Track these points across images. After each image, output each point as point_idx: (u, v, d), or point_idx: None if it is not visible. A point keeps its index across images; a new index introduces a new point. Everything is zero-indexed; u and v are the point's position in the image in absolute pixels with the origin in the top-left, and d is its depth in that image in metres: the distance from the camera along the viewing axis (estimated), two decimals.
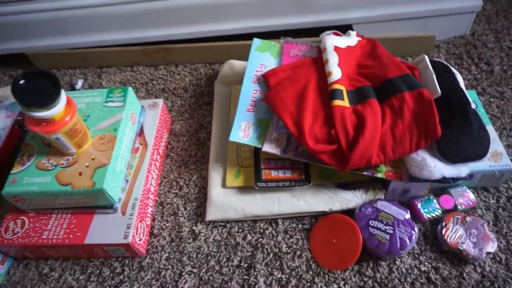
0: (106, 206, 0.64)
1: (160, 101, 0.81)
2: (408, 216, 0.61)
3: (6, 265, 0.68)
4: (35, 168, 0.63)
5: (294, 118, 0.64)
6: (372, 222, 0.61)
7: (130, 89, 0.73)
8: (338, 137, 0.61)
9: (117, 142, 0.65)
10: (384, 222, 0.60)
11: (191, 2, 0.89)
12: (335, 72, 0.67)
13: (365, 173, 0.63)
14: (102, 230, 0.63)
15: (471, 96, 0.70)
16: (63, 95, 0.58)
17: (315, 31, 0.89)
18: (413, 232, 0.59)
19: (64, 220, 0.65)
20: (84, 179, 0.61)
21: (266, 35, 0.85)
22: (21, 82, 0.54)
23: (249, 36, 0.91)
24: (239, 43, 0.93)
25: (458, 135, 0.59)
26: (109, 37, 0.97)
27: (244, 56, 0.89)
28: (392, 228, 0.59)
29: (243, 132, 0.68)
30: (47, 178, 0.62)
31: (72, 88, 0.96)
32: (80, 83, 0.97)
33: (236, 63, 0.89)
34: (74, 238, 0.63)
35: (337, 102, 0.64)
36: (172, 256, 0.66)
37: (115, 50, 0.98)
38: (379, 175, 0.63)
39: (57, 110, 0.57)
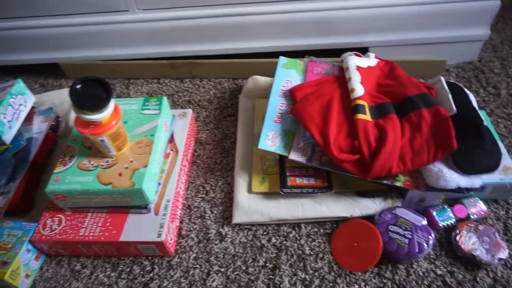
0: (141, 206, 0.68)
1: (190, 111, 0.86)
2: (425, 222, 0.65)
3: (40, 261, 0.71)
4: (77, 168, 0.68)
5: (320, 129, 0.69)
6: (391, 227, 0.65)
7: (164, 99, 0.78)
8: (361, 147, 0.66)
9: (154, 147, 0.70)
10: (403, 228, 0.64)
11: (219, 21, 0.95)
12: (358, 89, 0.73)
13: (385, 181, 0.68)
14: (136, 229, 0.67)
15: (482, 116, 0.75)
16: (112, 101, 0.63)
17: (335, 52, 0.95)
18: (430, 237, 0.63)
19: (100, 219, 0.69)
20: (124, 179, 0.65)
21: (289, 54, 0.91)
22: (78, 86, 0.60)
23: (271, 55, 0.98)
24: (262, 60, 0.99)
25: (472, 148, 0.64)
26: (138, 51, 1.03)
27: (267, 73, 0.96)
28: (410, 233, 0.64)
29: (270, 141, 0.73)
30: (88, 177, 0.66)
31: None
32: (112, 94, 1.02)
33: (260, 79, 0.95)
34: (110, 236, 0.66)
35: (360, 116, 0.69)
36: (200, 256, 0.69)
37: (143, 63, 1.04)
38: (398, 183, 0.67)
39: (106, 114, 0.62)
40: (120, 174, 0.66)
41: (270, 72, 0.95)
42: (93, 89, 0.61)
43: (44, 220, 0.70)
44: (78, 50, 1.04)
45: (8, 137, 0.78)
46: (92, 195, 0.65)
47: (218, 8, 0.93)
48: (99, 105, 0.60)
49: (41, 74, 1.12)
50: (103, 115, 0.61)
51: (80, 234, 0.67)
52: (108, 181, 0.65)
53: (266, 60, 0.98)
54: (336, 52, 0.96)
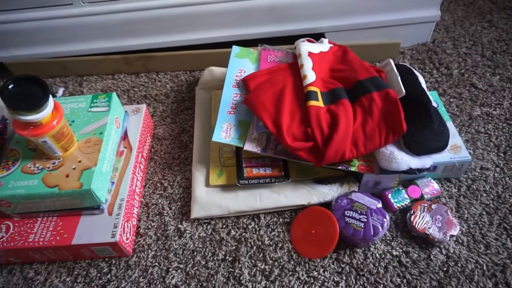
0: (93, 207, 0.66)
1: (143, 107, 0.83)
2: (379, 205, 0.66)
3: None
4: (21, 172, 0.65)
5: (273, 118, 0.69)
6: (347, 212, 0.65)
7: (114, 95, 0.75)
8: (314, 134, 0.66)
9: (103, 145, 0.67)
10: (358, 212, 0.65)
11: (171, 12, 0.92)
12: (310, 75, 0.73)
13: (340, 167, 0.68)
14: (89, 231, 0.65)
15: (433, 97, 0.77)
16: (51, 100, 0.60)
17: (290, 39, 0.94)
18: (384, 219, 0.64)
19: (50, 223, 0.66)
20: (71, 180, 0.62)
21: (244, 43, 0.90)
22: (10, 86, 0.56)
23: (227, 44, 0.96)
24: (218, 50, 0.97)
25: (421, 129, 0.65)
26: (89, 46, 0.99)
27: (223, 63, 0.94)
28: (366, 217, 0.64)
29: (225, 133, 0.71)
30: (33, 181, 0.63)
31: (53, 96, 0.97)
32: (61, 91, 0.98)
33: (216, 70, 0.93)
34: (61, 240, 0.64)
35: (312, 103, 0.69)
36: (158, 254, 0.68)
37: (95, 59, 1.00)
38: (353, 168, 0.68)
39: (45, 114, 0.59)
40: (67, 176, 0.63)
41: (227, 62, 0.94)
42: (28, 88, 0.57)
43: None
44: (25, 48, 0.99)
45: None
46: (38, 199, 0.63)
47: None
48: (36, 105, 0.57)
49: None
50: (42, 115, 0.58)
51: (30, 240, 0.64)
52: (54, 184, 0.62)
53: (221, 51, 0.97)
54: (291, 39, 0.95)
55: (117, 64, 1.00)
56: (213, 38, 0.97)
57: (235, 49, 0.84)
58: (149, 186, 0.77)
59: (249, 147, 0.70)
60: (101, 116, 0.72)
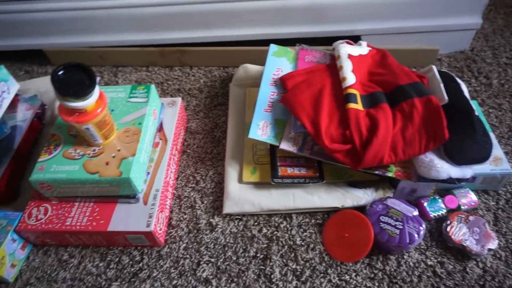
0: (129, 195, 0.67)
1: (179, 100, 0.84)
2: (416, 213, 0.65)
3: (26, 250, 0.69)
4: (62, 157, 0.66)
5: (311, 119, 0.68)
6: (382, 218, 0.64)
7: (153, 86, 0.76)
8: (352, 137, 0.65)
9: (142, 135, 0.68)
10: (394, 218, 0.64)
11: (209, 7, 0.93)
12: (349, 78, 0.72)
13: (376, 172, 0.67)
14: (124, 219, 0.66)
15: (473, 106, 0.75)
16: (97, 88, 0.61)
17: (326, 40, 0.94)
18: (421, 227, 0.63)
19: (87, 208, 0.68)
20: (111, 168, 0.64)
21: (278, 41, 0.89)
22: (60, 73, 0.57)
23: (262, 42, 0.96)
24: (253, 48, 0.97)
25: (463, 139, 0.64)
26: (126, 38, 1.01)
27: (257, 61, 0.94)
28: (401, 223, 0.63)
29: (261, 130, 0.72)
30: (74, 166, 0.64)
31: None
32: (97, 80, 1.00)
33: (251, 67, 0.93)
34: (98, 225, 0.65)
35: (352, 105, 0.68)
36: (190, 246, 0.68)
37: (132, 50, 1.01)
38: (390, 174, 0.67)
39: (91, 101, 0.60)
40: (107, 163, 0.64)
41: (261, 60, 0.93)
42: (76, 76, 0.58)
43: (30, 210, 0.68)
44: (64, 36, 1.01)
45: None
46: (78, 184, 0.64)
47: None
48: (83, 92, 0.58)
49: (26, 61, 1.08)
50: (88, 102, 0.59)
51: (67, 223, 0.65)
52: (95, 170, 0.63)
53: (257, 48, 0.97)
54: (327, 40, 0.94)
55: (152, 56, 1.01)
56: (248, 35, 0.97)
57: (273, 47, 0.84)
58: (181, 178, 0.78)
59: (285, 146, 0.70)
60: (139, 107, 0.73)
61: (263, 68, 0.91)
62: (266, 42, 0.96)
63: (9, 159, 0.75)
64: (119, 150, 0.66)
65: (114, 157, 0.65)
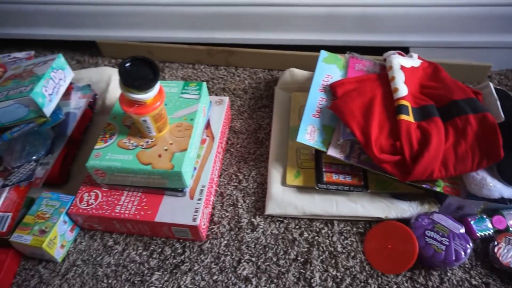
0: (177, 189, 0.68)
1: (226, 99, 0.86)
2: (463, 230, 0.64)
3: (74, 233, 0.72)
4: (117, 146, 0.68)
5: (361, 127, 0.68)
6: (428, 232, 0.64)
7: (204, 84, 0.78)
8: (402, 149, 0.65)
9: (193, 131, 0.70)
10: (440, 234, 0.63)
11: (259, 10, 0.94)
12: (402, 89, 0.72)
13: (424, 185, 0.67)
14: (171, 211, 0.67)
15: None
16: (158, 82, 0.63)
17: (374, 50, 0.94)
18: (468, 246, 0.62)
19: (135, 198, 0.70)
20: (163, 161, 0.65)
21: (326, 48, 0.90)
22: (127, 65, 0.60)
23: (308, 48, 0.97)
24: (299, 53, 0.98)
25: None
26: (175, 35, 1.03)
27: (303, 66, 0.95)
28: (448, 240, 0.63)
29: (309, 135, 0.72)
30: (128, 156, 0.67)
31: None
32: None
33: (297, 72, 0.94)
34: (145, 215, 0.67)
35: (403, 117, 0.68)
36: (231, 244, 0.69)
37: (180, 47, 1.03)
38: (438, 189, 0.66)
39: (151, 95, 0.62)
40: (159, 156, 0.66)
41: (307, 65, 0.95)
42: (141, 69, 0.61)
43: (81, 194, 0.71)
44: (116, 30, 1.05)
45: (48, 110, 0.79)
46: (131, 173, 0.66)
47: None
48: (147, 85, 0.60)
49: (78, 51, 1.13)
50: (149, 96, 0.61)
51: (116, 210, 0.68)
52: (148, 162, 0.65)
53: (303, 53, 0.97)
54: (376, 50, 0.94)
55: (199, 54, 1.03)
56: (296, 40, 0.98)
57: (323, 53, 0.85)
58: (224, 176, 0.79)
59: (332, 152, 0.70)
60: (191, 103, 0.74)
61: (309, 73, 0.93)
62: (313, 48, 0.97)
63: (63, 144, 0.78)
64: (171, 144, 0.68)
65: (166, 150, 0.67)
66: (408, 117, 0.68)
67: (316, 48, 0.96)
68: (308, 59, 0.96)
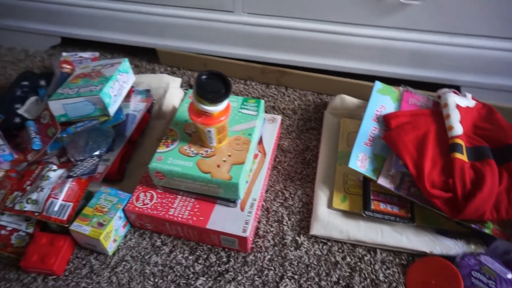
0: (229, 199, 0.71)
1: (279, 118, 0.89)
2: (510, 276, 0.64)
3: (125, 229, 0.76)
4: (178, 152, 0.72)
5: (414, 160, 0.70)
6: (474, 273, 0.64)
7: (262, 102, 0.81)
8: (455, 186, 0.66)
9: (251, 146, 0.73)
10: (487, 276, 0.64)
11: (317, 36, 0.98)
12: (457, 128, 0.73)
13: (473, 225, 0.67)
14: (222, 220, 0.70)
15: None
16: (228, 98, 0.67)
17: (425, 85, 0.96)
18: None
19: (188, 203, 0.73)
20: (222, 171, 0.69)
21: (378, 79, 0.92)
22: (203, 77, 0.64)
23: (359, 76, 0.99)
24: (349, 80, 1.00)
25: None
26: (231, 50, 1.08)
27: (353, 93, 0.97)
28: (494, 283, 0.63)
29: (360, 162, 0.74)
30: (189, 163, 0.70)
31: (191, 87, 1.07)
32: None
33: (348, 98, 0.96)
34: (197, 221, 0.70)
35: (458, 155, 0.69)
36: (274, 259, 0.71)
37: (234, 63, 1.08)
38: (487, 230, 0.67)
39: (220, 108, 0.66)
40: (218, 166, 0.69)
41: (357, 93, 0.98)
42: (215, 83, 0.65)
43: (138, 193, 0.74)
44: (176, 40, 1.10)
45: (112, 110, 0.84)
46: (189, 179, 0.69)
47: (317, 24, 0.96)
48: (218, 99, 0.64)
49: (136, 56, 1.19)
50: (218, 108, 0.65)
51: (170, 213, 0.71)
52: (207, 170, 0.69)
53: (354, 81, 1.00)
54: (427, 85, 0.96)
55: (253, 71, 1.07)
56: (350, 68, 1.01)
57: (378, 84, 0.87)
58: (270, 192, 0.82)
59: (383, 182, 0.72)
60: (249, 119, 0.78)
61: (359, 101, 0.95)
62: (364, 77, 1.00)
63: (123, 143, 0.83)
64: (229, 156, 0.71)
65: (225, 161, 0.70)
66: (462, 156, 0.69)
67: (367, 77, 0.99)
68: (358, 87, 0.99)
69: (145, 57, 1.18)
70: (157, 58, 1.15)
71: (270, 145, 0.83)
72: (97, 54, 1.08)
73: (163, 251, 0.73)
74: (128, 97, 0.92)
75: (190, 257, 0.72)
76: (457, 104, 0.78)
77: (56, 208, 0.72)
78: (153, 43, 1.12)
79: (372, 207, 0.73)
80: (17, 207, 0.73)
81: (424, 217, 0.73)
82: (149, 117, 0.95)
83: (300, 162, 0.88)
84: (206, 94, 0.63)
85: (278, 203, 0.80)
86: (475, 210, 0.64)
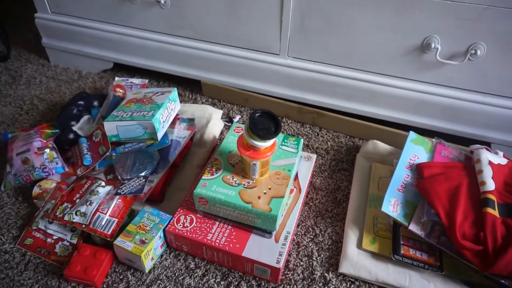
0: (266, 230, 0.75)
1: (314, 156, 0.94)
2: None
3: (162, 249, 0.80)
4: (222, 180, 0.77)
5: (446, 210, 0.73)
6: None
7: (301, 141, 0.87)
8: (486, 240, 0.68)
9: (290, 181, 0.78)
10: None
11: (354, 83, 1.04)
12: (489, 183, 0.76)
13: (502, 281, 0.69)
14: (257, 249, 0.73)
15: None
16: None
17: (456, 138, 1.00)
18: None
19: (226, 230, 0.77)
20: (262, 203, 0.73)
21: (411, 128, 0.96)
22: (257, 115, 0.70)
23: (391, 124, 1.04)
24: (382, 127, 1.05)
25: None
26: (270, 88, 1.15)
27: (384, 139, 1.02)
28: None
29: (392, 207, 0.77)
30: (232, 192, 0.75)
31: (230, 120, 1.14)
32: (237, 117, 1.14)
33: (380, 144, 1.01)
34: (234, 248, 0.73)
35: (489, 210, 0.72)
36: None
37: (273, 100, 1.14)
38: None
39: (267, 145, 0.71)
40: (259, 197, 0.74)
41: (388, 139, 1.02)
42: (266, 121, 0.70)
43: (178, 216, 0.79)
44: (220, 74, 1.18)
45: (159, 134, 0.90)
46: (230, 207, 0.74)
47: (358, 72, 1.02)
48: (268, 136, 0.69)
49: (181, 85, 1.27)
50: (266, 145, 0.70)
51: (208, 238, 0.75)
52: (249, 200, 0.73)
53: (386, 128, 1.04)
54: (458, 139, 1.00)
55: (290, 110, 1.13)
56: (384, 116, 1.06)
57: (412, 134, 0.92)
58: (301, 227, 0.85)
59: (414, 228, 0.75)
60: (289, 156, 0.83)
61: (391, 148, 1.00)
62: (396, 125, 1.04)
63: (167, 167, 0.89)
64: (269, 189, 0.76)
65: (265, 193, 0.75)
66: (494, 211, 0.72)
67: (400, 125, 1.04)
68: (390, 134, 1.03)
69: (188, 87, 1.26)
70: (200, 89, 1.23)
71: (305, 182, 0.88)
72: (146, 81, 1.17)
73: (196, 274, 0.76)
74: (173, 123, 0.99)
75: (222, 283, 0.75)
76: (490, 160, 0.81)
77: (103, 223, 0.77)
78: (198, 75, 1.21)
79: (402, 251, 0.75)
80: (66, 218, 0.78)
81: (452, 267, 0.75)
82: (191, 144, 1.01)
83: (331, 201, 0.91)
84: (258, 131, 0.68)
85: (309, 239, 0.83)
86: (506, 265, 0.66)
